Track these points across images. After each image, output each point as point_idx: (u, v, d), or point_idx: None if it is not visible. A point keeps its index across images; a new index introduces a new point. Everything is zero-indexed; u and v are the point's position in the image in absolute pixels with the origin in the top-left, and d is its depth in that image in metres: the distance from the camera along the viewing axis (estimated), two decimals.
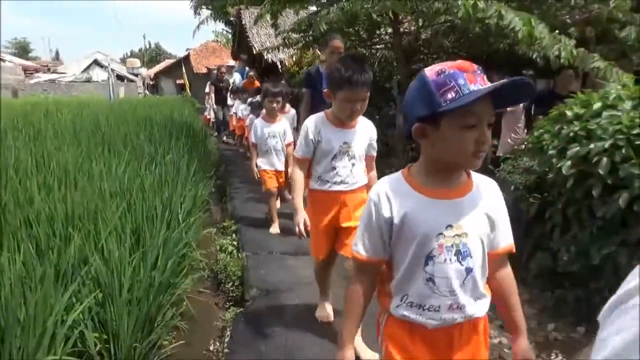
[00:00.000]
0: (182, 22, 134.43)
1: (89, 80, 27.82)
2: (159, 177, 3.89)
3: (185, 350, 2.44)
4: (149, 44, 61.28)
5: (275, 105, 4.27)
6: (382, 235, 1.19)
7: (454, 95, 1.03)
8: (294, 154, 2.46)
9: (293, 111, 5.67)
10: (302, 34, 6.44)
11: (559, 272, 2.70)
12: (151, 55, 54.22)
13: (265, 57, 10.58)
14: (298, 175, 2.35)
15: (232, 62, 10.81)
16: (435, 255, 1.13)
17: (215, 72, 11.27)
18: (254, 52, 10.96)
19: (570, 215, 2.60)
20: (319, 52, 8.45)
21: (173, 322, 2.49)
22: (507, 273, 1.26)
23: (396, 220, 1.16)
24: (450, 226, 1.12)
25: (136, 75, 31.37)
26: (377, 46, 7.32)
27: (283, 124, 4.37)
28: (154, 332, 2.29)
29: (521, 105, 4.94)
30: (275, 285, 3.18)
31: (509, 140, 5.46)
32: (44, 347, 1.77)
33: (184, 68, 25.38)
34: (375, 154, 2.41)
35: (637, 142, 2.30)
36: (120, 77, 28.42)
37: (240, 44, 12.83)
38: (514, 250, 1.23)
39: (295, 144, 3.08)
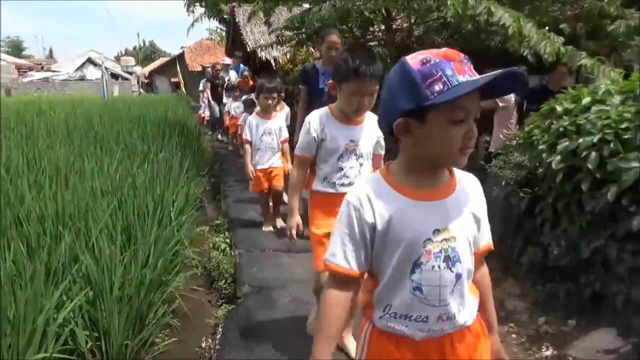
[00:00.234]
0: (176, 20, 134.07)
1: (82, 79, 27.68)
2: (151, 175, 3.87)
3: (177, 348, 2.46)
4: (144, 42, 61.29)
5: (270, 101, 4.19)
6: (366, 243, 1.07)
7: (442, 87, 0.93)
8: (295, 152, 2.25)
9: (287, 108, 5.66)
10: (295, 32, 6.42)
11: (550, 266, 2.72)
12: (146, 54, 54.11)
13: (259, 55, 10.54)
14: (297, 176, 2.19)
15: (228, 60, 10.74)
16: (422, 262, 1.03)
17: (210, 69, 11.22)
18: (248, 50, 10.92)
19: (560, 210, 2.61)
20: (312, 50, 8.44)
21: (165, 320, 2.50)
22: (485, 271, 1.22)
23: (379, 226, 1.04)
24: (437, 230, 1.03)
25: (130, 73, 31.22)
26: (370, 43, 7.31)
27: (279, 121, 4.31)
28: (145, 329, 2.30)
29: (513, 101, 4.95)
30: (267, 282, 3.19)
31: (502, 136, 5.46)
32: (34, 345, 1.77)
33: (178, 66, 25.37)
34: (383, 153, 2.24)
35: (625, 137, 2.32)
36: (114, 76, 28.31)
37: (234, 41, 12.78)
38: (493, 248, 1.17)
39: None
